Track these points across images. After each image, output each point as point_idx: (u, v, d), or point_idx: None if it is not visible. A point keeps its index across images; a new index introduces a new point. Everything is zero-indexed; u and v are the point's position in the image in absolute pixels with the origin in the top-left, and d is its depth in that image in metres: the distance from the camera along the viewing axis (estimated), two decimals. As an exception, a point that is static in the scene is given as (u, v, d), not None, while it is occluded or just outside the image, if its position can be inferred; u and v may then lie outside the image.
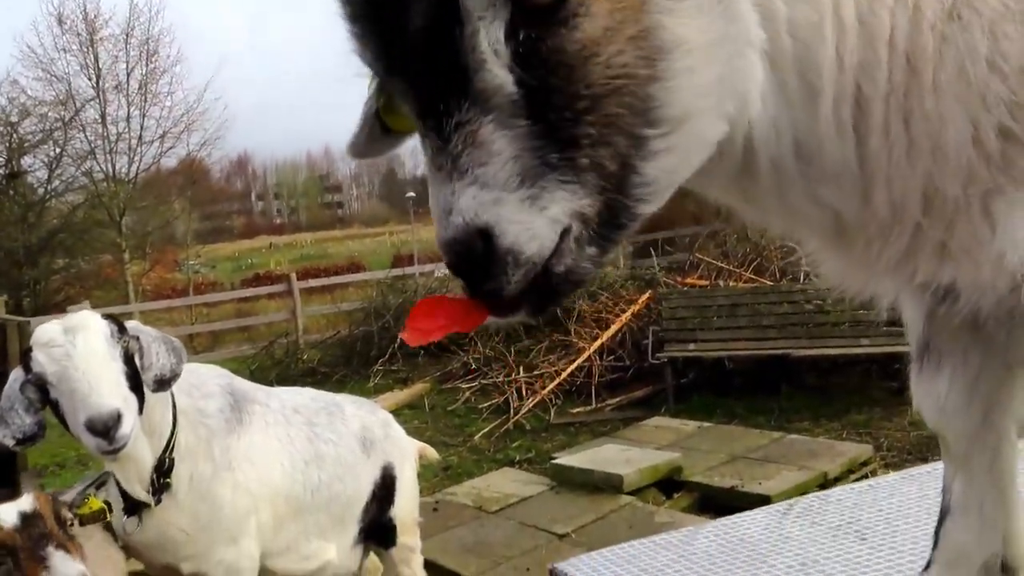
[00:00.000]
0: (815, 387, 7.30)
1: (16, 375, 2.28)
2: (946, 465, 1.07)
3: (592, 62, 0.66)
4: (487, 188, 0.65)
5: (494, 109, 0.66)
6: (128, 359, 2.29)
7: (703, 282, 9.30)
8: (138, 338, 2.36)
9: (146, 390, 2.33)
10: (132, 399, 2.24)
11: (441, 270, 14.68)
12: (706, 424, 6.45)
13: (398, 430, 3.39)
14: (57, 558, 1.89)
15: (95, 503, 2.15)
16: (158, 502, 2.43)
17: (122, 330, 2.34)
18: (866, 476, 5.12)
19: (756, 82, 0.73)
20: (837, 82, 0.75)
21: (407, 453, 3.37)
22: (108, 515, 2.18)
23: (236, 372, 3.01)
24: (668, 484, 5.11)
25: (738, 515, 1.93)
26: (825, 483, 4.88)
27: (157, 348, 2.38)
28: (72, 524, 2.03)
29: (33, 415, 2.26)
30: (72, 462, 8.04)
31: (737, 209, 0.90)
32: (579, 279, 0.72)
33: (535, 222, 0.66)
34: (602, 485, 4.99)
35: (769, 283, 8.81)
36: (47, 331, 2.26)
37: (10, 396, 2.27)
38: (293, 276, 14.51)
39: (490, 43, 0.66)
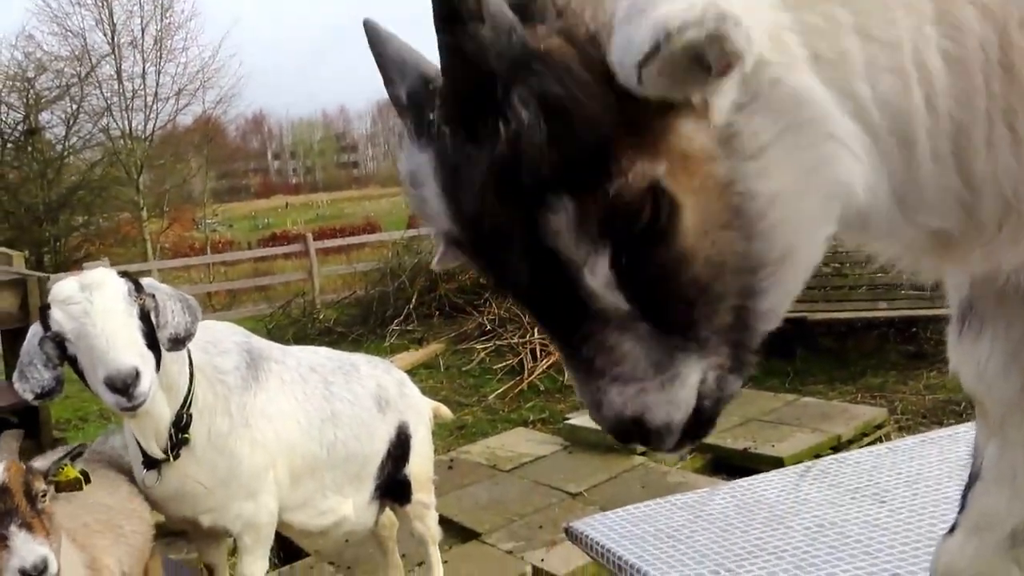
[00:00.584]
0: (831, 350, 7.26)
1: (35, 330, 2.30)
2: (980, 429, 1.05)
3: (692, 262, 0.68)
4: (628, 383, 0.71)
5: (613, 320, 0.70)
6: (144, 316, 2.30)
7: (720, 244, 9.24)
8: (154, 296, 2.37)
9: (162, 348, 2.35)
10: (150, 356, 2.26)
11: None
12: (720, 386, 6.46)
13: (413, 389, 3.41)
14: (19, 539, 1.83)
15: (71, 472, 2.12)
16: (176, 457, 2.46)
17: (138, 288, 2.35)
18: (880, 439, 5.11)
19: (857, 175, 0.70)
20: (931, 128, 0.71)
21: (422, 412, 3.39)
22: (83, 485, 2.15)
23: (253, 331, 3.03)
24: (681, 445, 5.14)
25: (754, 477, 1.93)
26: (838, 446, 4.88)
27: (172, 306, 2.39)
28: (45, 495, 1.98)
29: (51, 370, 2.28)
30: (94, 416, 8.18)
31: (870, 251, 0.88)
32: (727, 402, 0.78)
33: (677, 396, 0.72)
34: (615, 445, 5.01)
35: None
36: (64, 288, 2.27)
37: (29, 351, 2.30)
38: (309, 236, 14.55)
39: (598, 278, 0.69)
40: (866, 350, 7.19)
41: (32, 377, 2.28)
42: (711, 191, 0.66)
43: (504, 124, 0.63)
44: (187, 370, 2.50)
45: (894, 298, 7.02)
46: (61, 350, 2.26)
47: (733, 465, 4.85)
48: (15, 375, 2.33)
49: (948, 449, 1.78)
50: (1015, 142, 0.72)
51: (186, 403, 2.47)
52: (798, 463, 4.57)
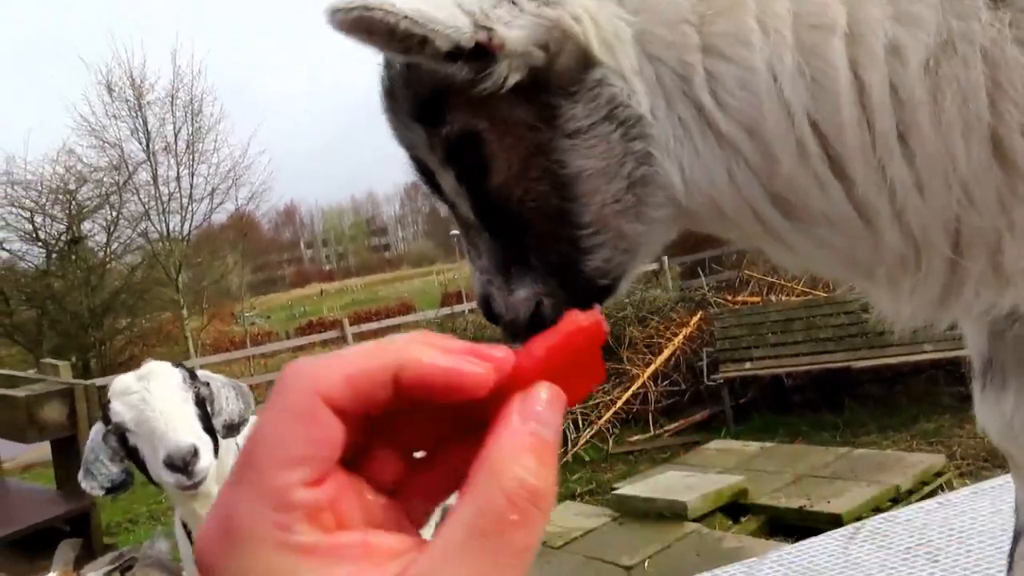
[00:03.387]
0: (879, 398, 7.08)
1: (97, 428, 2.40)
2: (1017, 485, 1.03)
3: (509, 200, 0.86)
4: (484, 272, 0.91)
5: (474, 226, 0.91)
6: (199, 403, 2.40)
7: (754, 299, 9.16)
8: (208, 384, 2.47)
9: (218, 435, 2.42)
10: (207, 439, 2.33)
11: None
12: (769, 444, 6.30)
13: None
14: None
15: None
16: None
17: (193, 376, 2.46)
18: (940, 487, 4.93)
19: (672, 172, 0.82)
20: (794, 144, 0.78)
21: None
22: None
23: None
24: (734, 508, 4.99)
25: (803, 542, 1.88)
26: (897, 496, 4.72)
27: (227, 393, 2.49)
28: None
29: (118, 463, 2.37)
30: (144, 518, 8.23)
31: (770, 256, 0.93)
32: None
33: (509, 300, 0.90)
34: (666, 513, 4.90)
35: (823, 295, 8.62)
36: (122, 381, 2.38)
37: (94, 448, 2.39)
38: (345, 321, 14.75)
39: (450, 189, 0.90)
40: (915, 395, 6.99)
41: (99, 473, 2.36)
42: (524, 151, 0.84)
43: (387, 71, 0.89)
44: None
45: (939, 339, 6.83)
46: (123, 442, 2.34)
47: (790, 525, 4.71)
48: (80, 474, 2.40)
49: (1000, 500, 1.72)
50: (918, 183, 0.75)
51: None
52: (857, 519, 4.45)
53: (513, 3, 0.79)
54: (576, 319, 0.57)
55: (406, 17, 0.75)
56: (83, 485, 2.40)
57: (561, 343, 0.55)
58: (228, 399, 2.48)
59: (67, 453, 3.73)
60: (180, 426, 2.26)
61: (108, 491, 2.38)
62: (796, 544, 1.88)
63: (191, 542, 2.50)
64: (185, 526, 2.53)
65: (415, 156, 0.92)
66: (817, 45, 0.75)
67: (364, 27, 0.75)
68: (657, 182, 0.83)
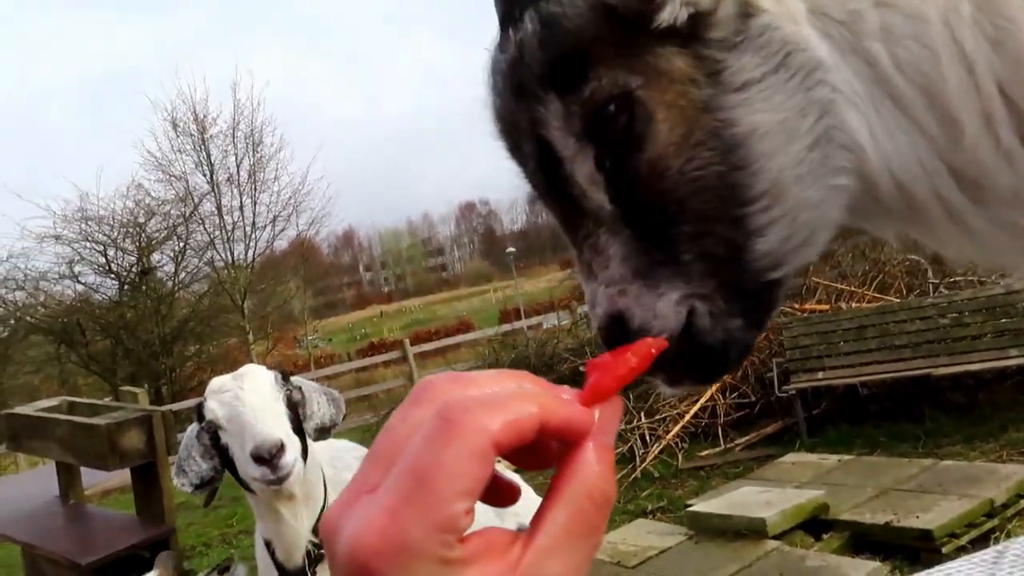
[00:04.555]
0: (962, 407, 6.76)
1: (192, 427, 2.47)
2: None
3: (667, 174, 0.74)
4: (613, 285, 0.76)
5: (604, 223, 0.77)
6: (291, 405, 2.45)
7: (823, 307, 8.89)
8: (300, 388, 2.54)
9: (308, 441, 2.46)
10: (295, 439, 2.37)
11: (549, 322, 14.69)
12: (847, 456, 6.07)
13: (528, 491, 3.33)
14: None
15: None
16: (314, 574, 2.47)
17: (286, 378, 2.52)
18: (1039, 501, 4.66)
19: (860, 128, 0.72)
20: (979, 109, 0.69)
21: (540, 512, 3.31)
22: None
23: (360, 442, 3.08)
24: (815, 524, 4.80)
25: (937, 568, 1.75)
26: (992, 511, 4.47)
27: (318, 398, 2.55)
28: None
29: (208, 460, 2.42)
30: (217, 541, 8.38)
31: (937, 248, 0.83)
32: (736, 346, 0.78)
33: (656, 304, 0.75)
34: (744, 531, 4.74)
35: (896, 300, 8.32)
36: (218, 380, 2.47)
37: (187, 446, 2.46)
38: (406, 342, 14.89)
39: (584, 175, 0.77)
40: (1001, 402, 6.65)
41: (191, 470, 2.42)
42: (687, 110, 0.73)
43: (515, 32, 0.77)
44: (322, 482, 2.56)
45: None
46: (215, 440, 2.40)
47: (876, 541, 4.50)
48: (174, 471, 2.47)
49: None
50: None
51: (321, 516, 2.50)
52: (951, 534, 4.25)
53: None
54: (648, 345, 0.63)
55: None
56: (175, 482, 2.48)
57: (636, 370, 0.59)
58: (319, 404, 2.54)
59: (146, 479, 3.81)
60: (269, 420, 2.32)
61: (197, 487, 2.44)
62: (930, 571, 1.75)
63: (275, 563, 2.50)
64: (268, 545, 2.53)
65: (540, 137, 0.78)
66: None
67: None
68: (842, 141, 0.73)
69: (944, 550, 4.18)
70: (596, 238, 0.77)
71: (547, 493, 0.50)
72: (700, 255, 0.75)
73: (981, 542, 4.32)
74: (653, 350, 0.65)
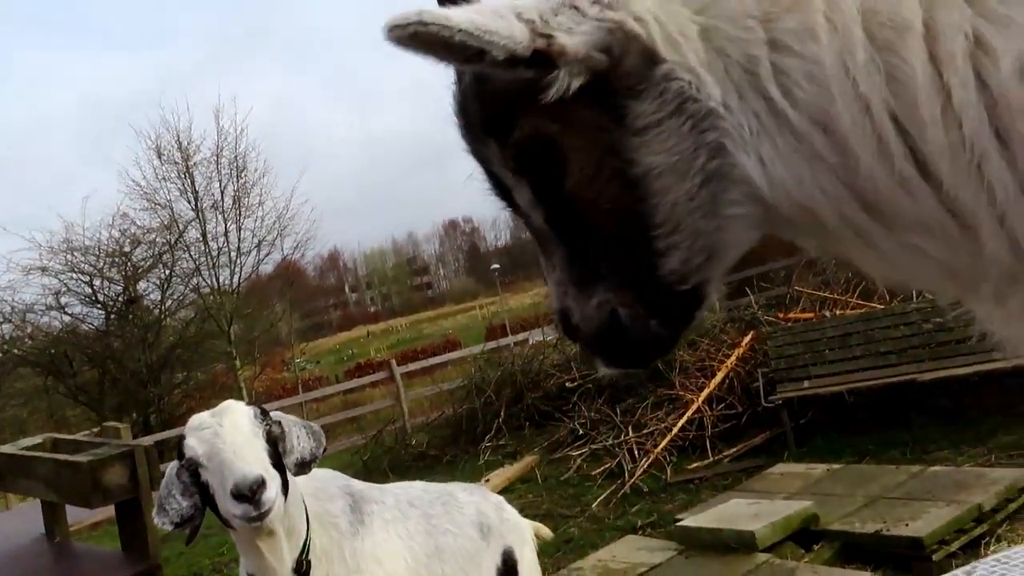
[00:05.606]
0: (950, 411, 6.78)
1: (172, 465, 2.44)
2: None
3: (583, 205, 0.87)
4: (560, 285, 0.94)
5: (549, 237, 0.93)
6: (271, 440, 2.43)
7: (807, 315, 8.93)
8: (280, 423, 2.51)
9: (288, 476, 2.43)
10: (275, 475, 2.35)
11: (535, 337, 14.66)
12: (835, 465, 6.08)
13: (512, 512, 3.33)
14: None
15: None
16: None
17: (265, 414, 2.50)
18: (1027, 505, 4.68)
19: (750, 166, 0.80)
20: (873, 142, 0.74)
21: (524, 534, 3.29)
22: None
23: (350, 464, 3.07)
24: (805, 535, 4.79)
25: None
26: (981, 516, 4.48)
27: (298, 432, 2.53)
28: None
29: (189, 498, 2.40)
30: (208, 571, 8.27)
31: (857, 265, 0.91)
32: (652, 341, 0.92)
33: (585, 308, 0.91)
34: (734, 544, 4.73)
35: (880, 306, 8.36)
36: (198, 418, 2.45)
37: (168, 484, 2.43)
38: (393, 362, 14.78)
39: (525, 201, 0.92)
40: (988, 406, 6.68)
41: (171, 508, 2.39)
42: (596, 152, 0.85)
43: (459, 82, 0.92)
44: (304, 515, 2.53)
45: (1007, 346, 6.57)
46: (195, 477, 2.37)
47: (867, 551, 4.50)
48: (155, 511, 2.44)
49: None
50: (1020, 187, 0.70)
51: (304, 550, 2.48)
52: (940, 541, 4.25)
53: (575, 8, 0.81)
54: None
55: (461, 30, 0.76)
56: (155, 521, 2.45)
57: None
58: (299, 438, 2.52)
59: (130, 514, 3.75)
60: (248, 456, 2.30)
61: (178, 525, 2.41)
62: None
63: None
64: None
65: (489, 171, 0.94)
66: (892, 42, 0.72)
67: (421, 41, 0.77)
68: (733, 176, 0.82)
69: (935, 558, 4.18)
70: (548, 245, 0.94)
71: None
72: (618, 269, 0.89)
73: (971, 548, 4.33)
74: None
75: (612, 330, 0.90)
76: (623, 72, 0.81)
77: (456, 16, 0.77)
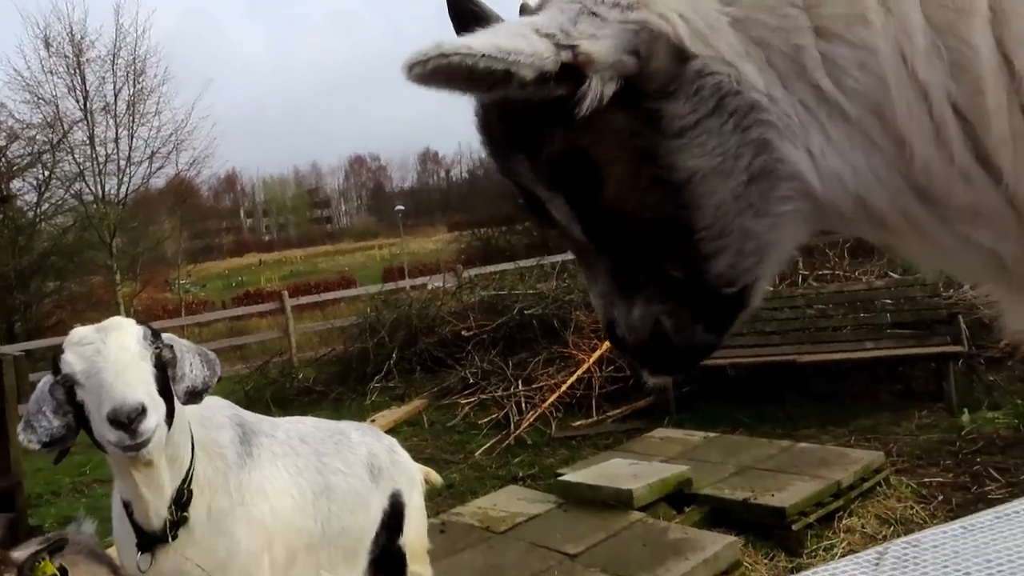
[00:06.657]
0: (822, 394, 7.22)
1: (45, 379, 2.23)
2: None
3: (622, 216, 0.84)
4: (604, 297, 0.92)
5: (589, 249, 0.91)
6: (159, 365, 2.25)
7: (702, 289, 9.24)
8: (172, 347, 2.33)
9: (176, 404, 2.27)
10: (160, 402, 2.17)
11: (434, 283, 14.52)
12: (712, 434, 6.37)
13: (404, 455, 3.30)
14: None
15: (48, 567, 2.00)
16: (175, 537, 2.33)
17: (156, 335, 2.31)
18: (879, 484, 5.05)
19: (800, 161, 0.76)
20: (930, 131, 0.72)
21: (414, 479, 3.28)
22: None
23: (231, 392, 2.95)
24: (678, 497, 5.02)
25: (824, 567, 1.82)
26: (839, 492, 4.80)
27: (191, 359, 2.35)
28: None
29: (61, 417, 2.19)
30: (67, 490, 7.90)
31: (910, 258, 0.91)
32: (698, 348, 0.93)
33: (629, 319, 0.90)
34: (611, 501, 4.89)
35: (769, 288, 8.73)
36: (80, 331, 2.24)
37: (38, 399, 2.22)
38: (285, 293, 14.38)
39: (561, 214, 0.89)
40: (856, 392, 7.16)
41: (39, 426, 2.19)
42: (632, 160, 0.81)
43: (481, 108, 0.89)
44: (189, 443, 2.40)
45: (879, 337, 7.03)
46: (70, 396, 2.18)
47: (734, 516, 4.75)
48: (20, 426, 2.22)
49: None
50: None
51: (187, 479, 2.36)
52: (800, 512, 4.53)
53: (595, 15, 0.76)
54: None
55: (484, 56, 0.72)
56: (21, 437, 2.22)
57: None
58: (192, 364, 2.34)
59: (-8, 425, 3.51)
60: (131, 380, 2.11)
61: (46, 445, 2.20)
62: (818, 569, 1.82)
63: (132, 524, 2.35)
64: (127, 506, 2.37)
65: (521, 187, 0.90)
66: (954, 24, 0.69)
67: (444, 75, 0.72)
68: (780, 173, 0.78)
69: (794, 527, 4.47)
70: (588, 257, 0.92)
71: None
72: (664, 278, 0.86)
73: (827, 521, 4.65)
74: None
75: (656, 340, 0.89)
76: (652, 73, 0.77)
77: (476, 42, 0.72)
